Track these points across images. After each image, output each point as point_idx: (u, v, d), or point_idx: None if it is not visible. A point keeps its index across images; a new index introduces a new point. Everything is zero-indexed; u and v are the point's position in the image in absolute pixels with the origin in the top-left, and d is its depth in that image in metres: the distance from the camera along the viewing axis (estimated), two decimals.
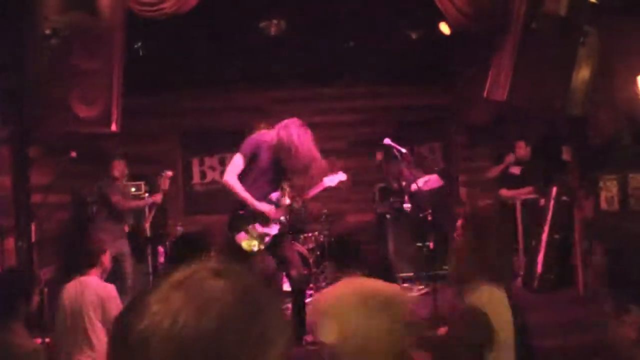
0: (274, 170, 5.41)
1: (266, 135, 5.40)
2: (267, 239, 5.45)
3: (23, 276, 4.35)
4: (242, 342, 0.92)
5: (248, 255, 5.31)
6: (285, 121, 5.32)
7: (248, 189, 5.31)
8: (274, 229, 5.52)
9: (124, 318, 0.95)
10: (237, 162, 5.31)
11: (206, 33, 7.01)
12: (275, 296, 1.03)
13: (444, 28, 6.94)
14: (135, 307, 0.94)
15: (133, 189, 8.06)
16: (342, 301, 3.49)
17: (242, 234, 5.34)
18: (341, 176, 6.64)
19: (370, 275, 3.88)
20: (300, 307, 5.56)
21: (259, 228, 5.41)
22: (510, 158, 7.91)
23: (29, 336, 3.68)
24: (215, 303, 0.93)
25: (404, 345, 3.37)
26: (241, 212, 5.37)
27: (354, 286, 3.63)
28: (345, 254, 3.88)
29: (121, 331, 0.94)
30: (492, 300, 2.96)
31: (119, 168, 7.22)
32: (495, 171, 8.15)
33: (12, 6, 5.38)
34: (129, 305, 0.96)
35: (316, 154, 5.31)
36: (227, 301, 0.94)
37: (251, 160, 5.30)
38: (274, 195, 5.56)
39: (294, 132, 5.19)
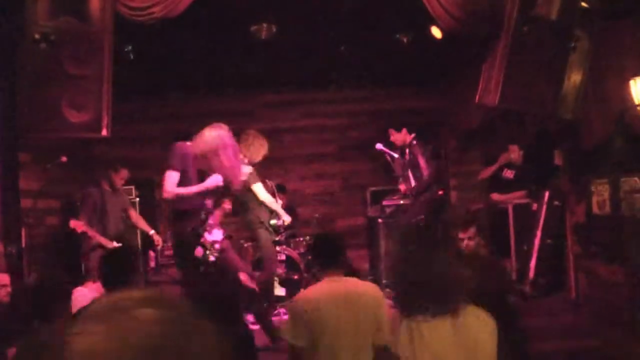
0: (201, 179, 5.44)
1: (187, 147, 5.37)
2: (216, 245, 5.48)
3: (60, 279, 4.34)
4: None
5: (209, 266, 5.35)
6: (204, 129, 5.37)
7: (184, 201, 5.34)
8: (218, 235, 5.56)
9: (45, 353, 0.90)
10: (172, 176, 5.32)
11: (196, 37, 6.97)
12: (207, 325, 0.96)
13: (436, 32, 6.93)
14: (55, 341, 0.90)
15: None
16: (317, 304, 3.53)
17: (199, 249, 5.35)
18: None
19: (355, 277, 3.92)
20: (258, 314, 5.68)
21: (208, 237, 5.43)
22: (503, 159, 7.90)
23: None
24: (137, 335, 0.88)
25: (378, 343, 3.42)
26: (190, 229, 5.38)
27: (330, 287, 3.65)
28: (326, 253, 3.84)
29: None
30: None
31: (122, 176, 7.27)
32: (487, 172, 8.15)
33: (1, 11, 5.34)
34: (50, 339, 0.92)
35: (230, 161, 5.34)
36: (152, 332, 0.89)
37: (181, 174, 5.31)
38: (209, 203, 5.62)
39: (208, 138, 5.26)
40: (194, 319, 0.95)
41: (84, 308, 0.94)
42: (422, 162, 7.01)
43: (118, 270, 3.76)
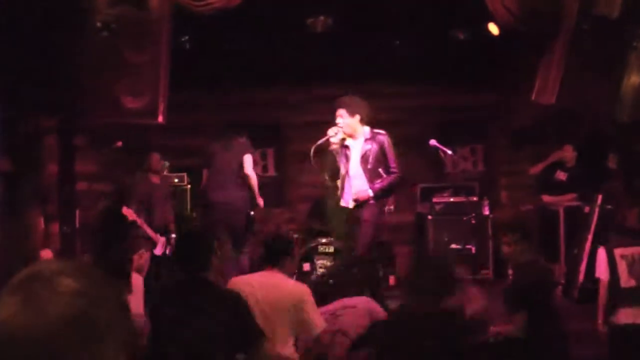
0: None
1: None
2: None
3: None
4: (78, 341, 0.89)
5: None
6: None
7: None
8: None
9: None
10: None
11: (252, 29, 7.05)
12: (116, 291, 0.99)
13: (493, 28, 6.85)
14: None
15: (176, 180, 8.29)
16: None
17: None
18: None
19: None
20: None
21: None
22: (555, 156, 7.75)
23: None
24: (56, 305, 0.89)
25: None
26: None
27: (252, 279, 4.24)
28: (271, 249, 4.24)
29: None
30: None
31: (155, 161, 7.41)
32: (538, 167, 8.00)
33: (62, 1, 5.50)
34: None
35: None
36: (71, 303, 0.89)
37: None
38: None
39: None
40: (108, 289, 0.97)
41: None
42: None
43: (193, 251, 3.84)
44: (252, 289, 4.00)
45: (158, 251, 6.87)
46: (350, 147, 6.36)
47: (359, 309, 4.78)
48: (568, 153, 7.66)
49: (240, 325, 3.52)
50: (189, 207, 8.20)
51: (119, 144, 7.22)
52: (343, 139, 6.32)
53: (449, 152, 6.34)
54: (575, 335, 4.79)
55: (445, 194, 8.30)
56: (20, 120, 6.71)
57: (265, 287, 4.07)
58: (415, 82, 9.45)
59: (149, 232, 6.88)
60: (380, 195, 6.27)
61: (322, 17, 6.84)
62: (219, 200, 6.99)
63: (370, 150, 6.28)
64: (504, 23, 5.96)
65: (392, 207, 6.87)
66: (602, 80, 5.73)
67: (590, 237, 6.94)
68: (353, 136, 6.33)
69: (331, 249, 7.57)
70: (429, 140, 6.67)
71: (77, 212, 7.22)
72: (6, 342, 0.86)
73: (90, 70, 5.41)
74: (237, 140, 7.19)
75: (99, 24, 5.11)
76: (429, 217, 8.32)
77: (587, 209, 7.13)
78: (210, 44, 7.46)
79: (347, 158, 6.35)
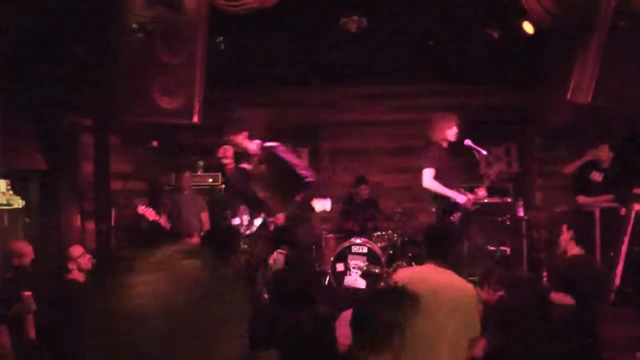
0: None
1: None
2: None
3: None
4: (219, 315, 1.00)
5: None
6: None
7: None
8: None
9: (104, 300, 0.99)
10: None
11: (287, 28, 7.08)
12: (237, 276, 1.11)
13: (527, 27, 6.78)
14: (116, 289, 0.99)
15: (210, 180, 8.41)
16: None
17: None
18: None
19: None
20: None
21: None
22: (590, 155, 7.62)
23: None
24: (193, 281, 1.00)
25: None
26: None
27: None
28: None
29: (104, 313, 0.98)
30: None
31: (186, 180, 7.59)
32: (573, 166, 7.88)
33: (100, 1, 5.59)
34: (107, 288, 1.00)
35: None
36: (203, 279, 1.01)
37: None
38: None
39: None
40: (227, 269, 1.09)
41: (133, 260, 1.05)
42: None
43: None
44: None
45: None
46: None
47: None
48: (604, 153, 7.53)
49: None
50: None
51: (154, 144, 7.31)
52: None
53: (484, 152, 6.29)
54: (609, 340, 4.74)
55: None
56: (57, 120, 6.84)
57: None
58: (450, 82, 9.40)
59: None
60: None
61: (356, 17, 6.84)
62: None
63: None
64: (540, 21, 5.90)
65: None
66: (639, 78, 5.64)
67: (626, 239, 6.82)
68: None
69: (364, 249, 7.58)
70: (463, 140, 6.63)
71: (113, 210, 7.33)
72: (165, 314, 0.96)
73: (127, 71, 5.49)
74: None
75: (135, 26, 5.18)
76: (451, 218, 8.25)
77: (623, 211, 7.01)
78: (245, 43, 7.51)
79: None
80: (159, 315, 0.95)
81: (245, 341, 1.04)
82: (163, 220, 7.12)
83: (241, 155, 6.28)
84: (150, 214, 7.00)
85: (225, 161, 6.27)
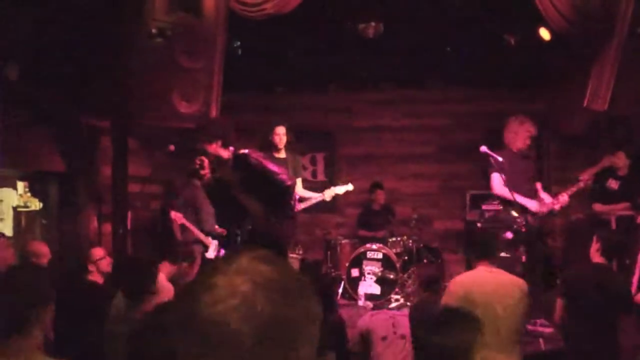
0: None
1: None
2: None
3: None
4: (301, 318, 1.03)
5: None
6: None
7: None
8: None
9: (189, 303, 1.02)
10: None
11: (303, 33, 7.12)
12: (308, 281, 1.12)
13: (544, 33, 6.77)
14: (198, 293, 1.01)
15: None
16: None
17: None
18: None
19: None
20: None
21: None
22: (607, 161, 7.57)
23: None
24: (274, 284, 1.02)
25: None
26: None
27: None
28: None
29: (188, 314, 1.00)
30: None
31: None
32: (589, 173, 7.83)
33: (120, 5, 5.65)
34: (191, 292, 1.03)
35: None
36: (282, 282, 1.04)
37: None
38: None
39: None
40: (298, 274, 1.12)
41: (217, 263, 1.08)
42: None
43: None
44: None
45: (210, 254, 6.92)
46: None
47: None
48: (620, 160, 7.48)
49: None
50: None
51: (172, 148, 7.35)
52: None
53: (500, 159, 6.26)
54: (626, 349, 4.71)
55: (495, 202, 8.19)
56: (76, 123, 6.91)
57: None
58: (466, 88, 9.39)
59: (199, 235, 6.92)
60: None
61: (373, 23, 6.86)
62: None
63: None
64: (556, 28, 5.89)
65: None
66: None
67: None
68: None
69: (380, 255, 7.59)
70: (479, 146, 6.62)
71: (129, 213, 7.39)
72: (254, 315, 0.99)
73: (145, 76, 5.54)
74: None
75: (154, 30, 5.23)
76: (479, 224, 8.21)
77: (639, 219, 6.97)
78: (262, 49, 7.56)
79: None
80: (249, 317, 0.98)
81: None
82: (190, 226, 7.00)
83: (216, 164, 6.40)
84: (179, 218, 6.92)
85: (203, 172, 6.34)
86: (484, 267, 4.04)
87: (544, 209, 6.24)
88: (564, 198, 6.25)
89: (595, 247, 4.78)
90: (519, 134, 6.40)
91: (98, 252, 5.60)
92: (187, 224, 6.86)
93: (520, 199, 6.17)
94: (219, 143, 6.01)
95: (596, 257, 4.76)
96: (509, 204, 6.26)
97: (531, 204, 6.21)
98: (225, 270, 1.03)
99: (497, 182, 6.28)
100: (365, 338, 4.77)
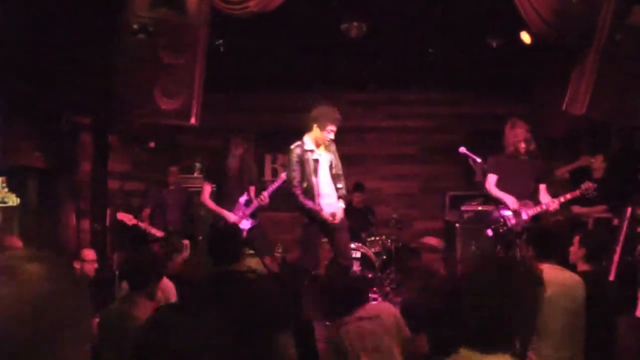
0: None
1: None
2: None
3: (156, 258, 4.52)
4: (55, 323, 1.00)
5: None
6: None
7: None
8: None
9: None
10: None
11: (286, 33, 7.11)
12: (81, 281, 1.11)
13: (525, 37, 6.83)
14: None
15: None
16: None
17: None
18: None
19: None
20: None
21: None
22: (584, 160, 7.66)
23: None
24: (30, 287, 1.00)
25: None
26: None
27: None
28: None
29: None
30: None
31: (172, 174, 7.72)
32: (564, 170, 7.92)
33: (101, 2, 5.61)
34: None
35: None
36: (42, 285, 1.02)
37: None
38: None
39: None
40: (71, 274, 1.12)
41: None
42: None
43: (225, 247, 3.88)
44: None
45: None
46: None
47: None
48: (597, 162, 7.58)
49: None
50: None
51: (152, 144, 7.34)
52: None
53: (479, 160, 6.31)
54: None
55: (474, 203, 8.26)
56: (57, 119, 6.85)
57: None
58: (449, 90, 9.45)
59: (153, 231, 7.16)
60: None
61: (356, 23, 6.87)
62: None
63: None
64: (537, 32, 5.94)
65: None
66: (635, 91, 5.68)
67: (619, 249, 6.85)
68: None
69: (358, 254, 7.61)
70: (459, 148, 6.67)
71: (108, 210, 7.35)
72: None
73: (127, 72, 5.50)
74: None
75: (135, 26, 5.20)
76: (457, 225, 8.28)
77: (616, 221, 7.05)
78: (244, 47, 7.54)
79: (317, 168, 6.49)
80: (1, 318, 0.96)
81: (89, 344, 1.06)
82: (144, 225, 7.15)
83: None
84: (128, 219, 7.03)
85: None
86: (547, 265, 4.06)
87: (529, 211, 6.26)
88: (554, 204, 6.31)
89: (579, 253, 4.78)
90: (509, 138, 6.48)
91: (90, 254, 5.56)
92: (141, 224, 7.16)
93: (501, 195, 6.28)
94: None
95: (582, 265, 4.75)
96: (501, 203, 6.36)
97: (509, 200, 6.26)
98: None
99: (490, 182, 6.38)
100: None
